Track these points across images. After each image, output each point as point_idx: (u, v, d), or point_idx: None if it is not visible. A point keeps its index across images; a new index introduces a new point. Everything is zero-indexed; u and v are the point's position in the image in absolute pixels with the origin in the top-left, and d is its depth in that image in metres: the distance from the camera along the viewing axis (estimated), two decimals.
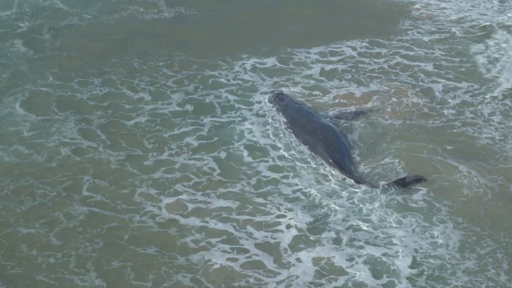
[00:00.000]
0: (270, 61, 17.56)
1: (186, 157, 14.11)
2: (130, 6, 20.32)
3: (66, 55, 17.92)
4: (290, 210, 12.67)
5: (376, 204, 12.72)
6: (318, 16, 19.99)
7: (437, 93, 16.27)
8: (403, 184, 13.09)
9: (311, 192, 13.07)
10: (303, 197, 13.01)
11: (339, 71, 17.17)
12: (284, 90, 16.27)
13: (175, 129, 14.99)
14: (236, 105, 15.81)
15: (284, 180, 13.45)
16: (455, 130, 15.01)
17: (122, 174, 13.66)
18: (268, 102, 15.78)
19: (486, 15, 20.06)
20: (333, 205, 12.70)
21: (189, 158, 14.07)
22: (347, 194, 13.01)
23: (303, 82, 16.74)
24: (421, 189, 13.13)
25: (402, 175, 13.38)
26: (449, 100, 16.03)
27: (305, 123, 14.79)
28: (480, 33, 19.00)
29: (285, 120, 15.12)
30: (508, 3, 20.90)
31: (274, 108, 15.52)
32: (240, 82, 16.70)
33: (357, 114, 15.38)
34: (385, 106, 15.58)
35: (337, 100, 15.93)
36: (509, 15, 19.90)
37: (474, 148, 14.49)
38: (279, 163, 13.88)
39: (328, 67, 17.31)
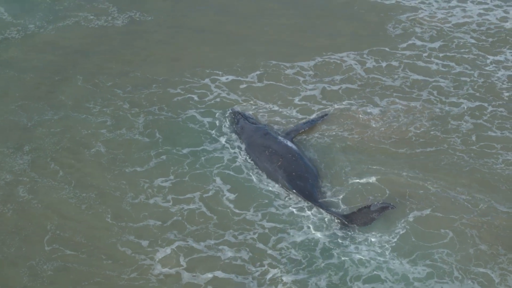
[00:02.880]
0: (251, 77, 16.79)
1: (166, 199, 13.32)
2: (79, 13, 19.37)
3: (4, 73, 17.02)
4: (300, 265, 12.05)
5: (389, 249, 12.18)
6: (292, 23, 19.19)
7: (441, 111, 15.61)
8: (368, 213, 12.65)
9: (319, 243, 12.36)
10: (311, 251, 12.28)
11: (343, 89, 16.39)
12: (239, 107, 15.67)
13: (145, 164, 14.16)
14: (213, 132, 15.06)
15: (288, 230, 12.73)
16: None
17: (96, 220, 12.83)
18: (229, 125, 15.20)
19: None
20: (344, 258, 12.05)
21: (172, 201, 13.28)
22: (354, 241, 12.40)
23: (303, 106, 15.91)
24: (421, 212, 12.81)
25: (365, 203, 13.01)
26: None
27: (262, 148, 14.22)
28: (491, 40, 18.34)
29: (243, 145, 14.57)
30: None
31: (234, 133, 14.98)
32: (214, 102, 15.97)
33: (309, 124, 14.98)
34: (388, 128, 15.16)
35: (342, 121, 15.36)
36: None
37: (463, 171, 14.00)
38: (278, 210, 13.09)
39: (329, 85, 16.55)
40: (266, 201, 13.21)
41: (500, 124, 15.18)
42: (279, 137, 14.46)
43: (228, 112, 15.53)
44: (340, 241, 12.39)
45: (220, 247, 12.30)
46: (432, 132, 14.87)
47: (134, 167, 14.05)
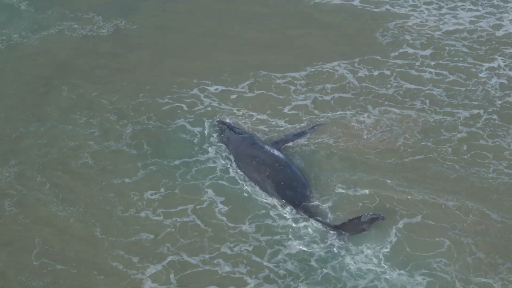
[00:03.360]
0: (242, 87, 16.67)
1: (157, 212, 13.15)
2: (63, 22, 19.24)
3: None
4: (298, 278, 11.97)
5: (384, 259, 12.12)
6: (280, 32, 19.12)
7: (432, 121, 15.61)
8: (358, 224, 12.61)
9: (315, 254, 12.28)
10: (307, 262, 12.20)
11: (335, 99, 16.31)
12: (225, 117, 15.56)
13: (134, 176, 14.00)
14: (203, 142, 14.93)
15: (284, 242, 12.64)
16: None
17: (85, 234, 12.64)
18: (216, 136, 15.08)
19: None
20: (341, 269, 11.99)
21: (164, 214, 13.10)
22: (350, 252, 12.33)
23: (293, 116, 15.79)
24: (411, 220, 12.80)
25: (356, 214, 12.88)
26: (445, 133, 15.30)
27: (249, 159, 14.14)
28: (483, 47, 18.33)
29: (231, 157, 14.47)
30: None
31: (222, 144, 14.86)
32: (204, 111, 15.85)
33: (300, 136, 14.93)
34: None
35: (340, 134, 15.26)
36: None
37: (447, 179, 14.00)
38: (274, 222, 12.98)
39: (320, 95, 16.45)
40: (262, 212, 13.12)
41: (492, 132, 15.17)
42: (266, 147, 14.36)
43: (214, 122, 15.41)
44: (336, 251, 12.30)
45: (215, 261, 12.15)
46: (422, 143, 14.82)
47: (123, 179, 13.90)
